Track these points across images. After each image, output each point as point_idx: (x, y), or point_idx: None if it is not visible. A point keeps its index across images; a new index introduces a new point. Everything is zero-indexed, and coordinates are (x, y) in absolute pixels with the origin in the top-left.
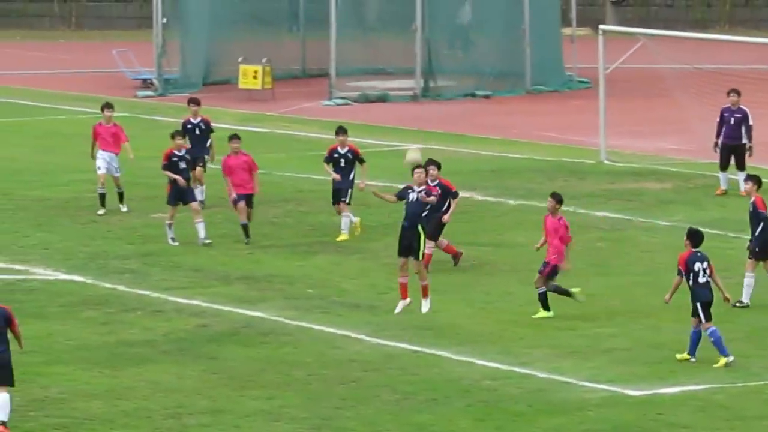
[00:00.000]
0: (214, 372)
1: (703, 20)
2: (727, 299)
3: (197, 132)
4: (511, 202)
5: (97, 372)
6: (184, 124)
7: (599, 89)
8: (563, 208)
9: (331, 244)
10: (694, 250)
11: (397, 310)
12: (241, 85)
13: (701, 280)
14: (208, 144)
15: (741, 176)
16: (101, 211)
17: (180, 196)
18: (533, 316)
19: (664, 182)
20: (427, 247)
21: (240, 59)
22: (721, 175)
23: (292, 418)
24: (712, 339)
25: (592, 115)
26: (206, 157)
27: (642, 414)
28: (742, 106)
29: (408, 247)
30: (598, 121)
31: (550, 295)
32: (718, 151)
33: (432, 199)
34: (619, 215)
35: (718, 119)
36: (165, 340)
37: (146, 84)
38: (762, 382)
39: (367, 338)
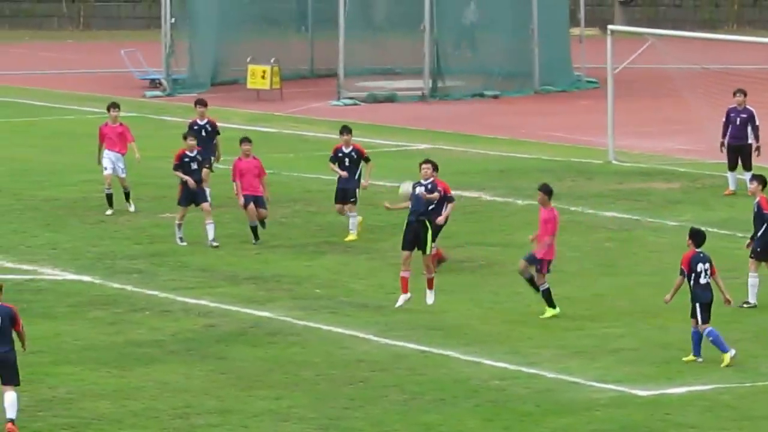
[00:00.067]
0: (222, 372)
1: (712, 20)
2: (728, 301)
3: (203, 133)
4: (520, 202)
5: (105, 372)
6: (191, 126)
7: (607, 89)
8: (572, 208)
9: (339, 244)
10: (697, 250)
11: (398, 303)
12: (249, 85)
13: (702, 281)
14: (214, 144)
15: (747, 176)
16: (109, 212)
17: (191, 197)
18: (541, 317)
19: (672, 182)
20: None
21: (248, 59)
22: (729, 175)
23: (300, 418)
24: (710, 339)
25: (601, 115)
26: (212, 158)
27: (650, 414)
28: (748, 107)
29: (413, 241)
30: (606, 121)
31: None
32: (724, 151)
33: (435, 195)
34: (627, 215)
35: (723, 119)
36: (173, 340)
37: (154, 84)
38: None
39: (375, 338)
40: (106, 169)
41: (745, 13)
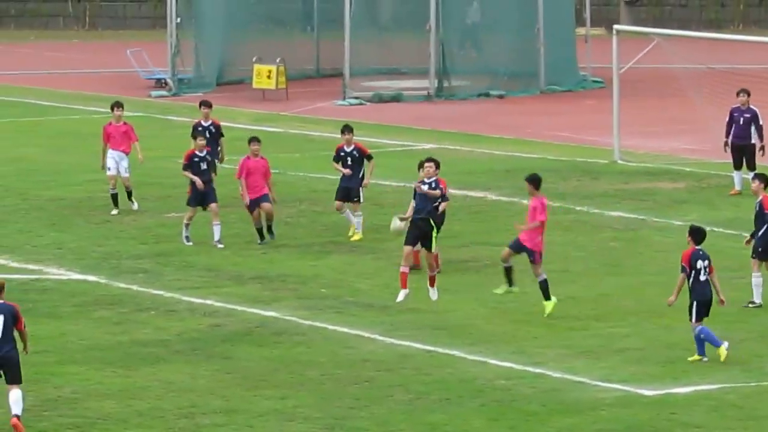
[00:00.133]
0: (228, 372)
1: (717, 20)
2: (722, 301)
3: (208, 135)
4: (525, 201)
5: (111, 372)
6: (195, 127)
7: (613, 89)
8: (578, 207)
9: (344, 243)
10: (696, 247)
11: (399, 299)
12: (255, 85)
13: (702, 278)
14: (218, 147)
15: (751, 176)
16: (114, 211)
17: (201, 198)
18: (545, 315)
19: (677, 182)
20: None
21: (254, 59)
22: (735, 175)
23: (306, 417)
24: (702, 336)
25: (606, 115)
26: (215, 160)
27: (655, 414)
28: (751, 106)
29: (417, 237)
30: (611, 121)
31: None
32: (728, 151)
33: (437, 192)
34: (632, 215)
35: (727, 119)
36: (178, 339)
37: (160, 84)
38: None
39: (381, 338)
40: (110, 169)
41: (750, 13)
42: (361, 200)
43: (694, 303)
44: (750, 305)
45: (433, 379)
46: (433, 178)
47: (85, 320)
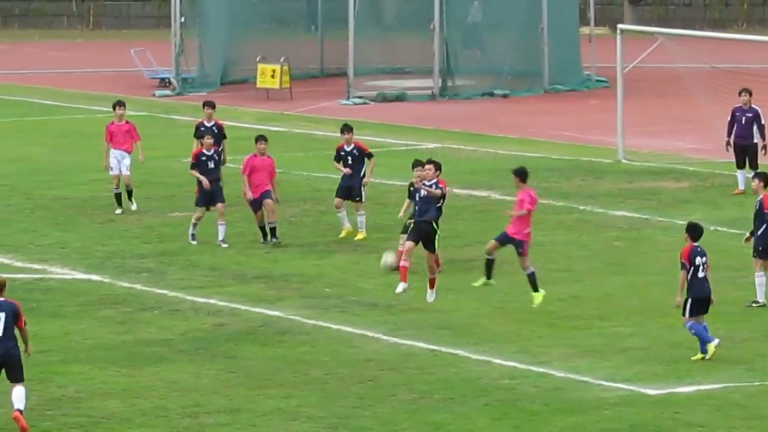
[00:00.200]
0: (231, 371)
1: (721, 19)
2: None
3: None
4: None
5: (114, 371)
6: (198, 127)
7: (617, 88)
8: (582, 207)
9: (348, 243)
10: (694, 244)
11: (398, 290)
12: (259, 85)
13: (700, 274)
14: (220, 148)
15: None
16: (118, 211)
17: (209, 197)
18: (533, 305)
19: (681, 181)
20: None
21: (258, 58)
22: (738, 174)
23: (309, 417)
24: (692, 332)
25: (610, 115)
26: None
27: (659, 413)
28: (753, 106)
29: (418, 235)
30: (615, 121)
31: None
32: (730, 150)
33: (438, 192)
34: (636, 214)
35: (729, 118)
36: (182, 339)
37: (164, 83)
38: None
39: (384, 337)
40: (112, 169)
41: (754, 13)
42: (363, 199)
43: (690, 299)
44: (753, 304)
45: (437, 379)
46: (434, 180)
47: (89, 319)
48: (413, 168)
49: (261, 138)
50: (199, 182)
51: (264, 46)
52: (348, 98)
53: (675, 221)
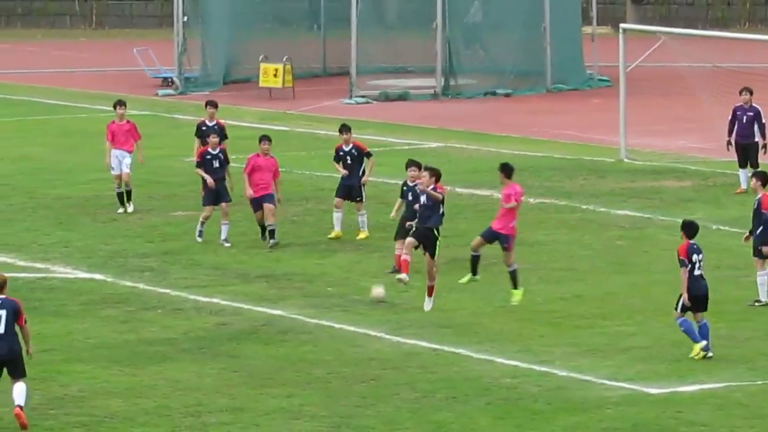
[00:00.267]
0: (234, 370)
1: (724, 19)
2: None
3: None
4: (531, 200)
5: (117, 370)
6: (199, 126)
7: (619, 88)
8: (584, 206)
9: (350, 242)
10: (690, 241)
11: (398, 277)
12: (261, 84)
13: (697, 272)
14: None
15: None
16: (121, 210)
17: (215, 196)
18: (512, 302)
19: (683, 181)
20: (398, 248)
21: (261, 58)
22: (740, 173)
23: (312, 416)
24: (682, 328)
25: (613, 114)
26: None
27: (661, 412)
28: (754, 104)
29: (419, 239)
30: (618, 120)
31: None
32: (731, 149)
33: (438, 195)
34: (638, 213)
35: (730, 117)
36: (185, 338)
37: (167, 82)
38: None
39: (387, 336)
40: (113, 169)
41: (757, 12)
42: (363, 199)
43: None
44: (756, 304)
45: (439, 378)
46: (431, 186)
47: (91, 319)
48: (407, 168)
49: (264, 138)
50: (204, 181)
51: (266, 46)
52: (350, 97)
53: (677, 220)
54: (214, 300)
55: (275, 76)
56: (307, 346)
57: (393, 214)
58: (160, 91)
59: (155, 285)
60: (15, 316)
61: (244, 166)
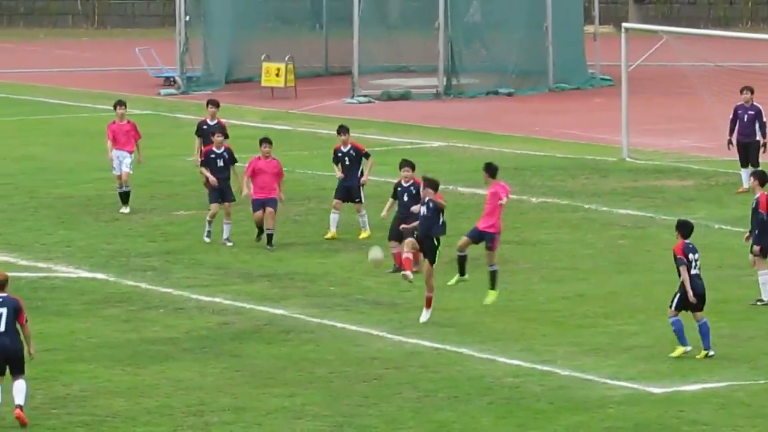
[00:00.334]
0: (236, 369)
1: (726, 18)
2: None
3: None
4: (534, 199)
5: (120, 369)
6: (200, 125)
7: (622, 87)
8: (587, 205)
9: (352, 241)
10: (686, 241)
11: (403, 273)
12: (263, 83)
13: (693, 271)
14: None
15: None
16: (123, 209)
17: (220, 193)
18: (485, 302)
19: (686, 180)
20: (395, 248)
21: (263, 57)
22: (742, 172)
23: (314, 415)
24: (673, 327)
25: (615, 113)
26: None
27: (663, 411)
28: (755, 103)
29: (421, 245)
30: (620, 119)
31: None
32: (732, 148)
33: (442, 202)
34: (641, 213)
35: (731, 116)
36: (187, 337)
37: (169, 82)
38: None
39: (389, 336)
40: (115, 170)
41: (759, 11)
42: (363, 200)
43: (679, 294)
44: (758, 303)
45: (442, 377)
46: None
47: (94, 318)
48: (401, 168)
49: (265, 141)
50: (208, 179)
51: (269, 45)
52: (353, 97)
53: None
54: (217, 299)
55: (277, 75)
56: (309, 346)
57: (384, 213)
58: (162, 91)
59: (157, 284)
60: (15, 314)
61: (245, 169)
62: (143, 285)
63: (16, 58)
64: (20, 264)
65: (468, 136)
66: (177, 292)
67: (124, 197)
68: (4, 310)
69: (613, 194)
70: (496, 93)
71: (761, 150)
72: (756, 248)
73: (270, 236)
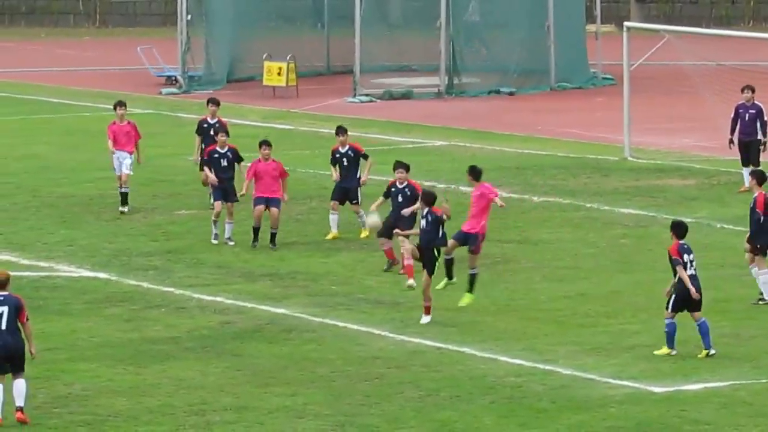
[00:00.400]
0: (238, 369)
1: (728, 17)
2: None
3: (212, 132)
4: (535, 198)
5: (121, 369)
6: (200, 123)
7: (623, 86)
8: (588, 204)
9: (354, 241)
10: (680, 241)
11: (408, 283)
12: (265, 82)
13: (689, 272)
14: None
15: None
16: (123, 209)
17: (223, 192)
18: (460, 304)
19: (687, 179)
20: (385, 244)
21: (264, 56)
22: (744, 171)
23: (316, 414)
24: (666, 329)
25: (616, 112)
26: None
27: (665, 411)
28: (756, 102)
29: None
30: (622, 118)
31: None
32: (733, 147)
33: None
34: (642, 212)
35: (732, 116)
36: (189, 337)
37: (170, 81)
38: None
39: (391, 335)
40: (115, 169)
41: (761, 10)
42: (360, 201)
43: (675, 295)
44: (760, 302)
45: (444, 376)
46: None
47: (95, 317)
48: (394, 169)
49: (264, 143)
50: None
51: (270, 44)
52: (354, 96)
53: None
54: (218, 298)
55: (279, 74)
56: (311, 345)
57: (373, 208)
58: (164, 90)
59: (159, 283)
60: (17, 312)
61: (246, 172)
62: (145, 284)
63: (17, 58)
64: (22, 263)
65: (470, 136)
66: (179, 292)
67: (123, 197)
68: (5, 309)
69: (614, 193)
70: (498, 92)
71: (763, 149)
72: (747, 246)
73: (273, 235)
